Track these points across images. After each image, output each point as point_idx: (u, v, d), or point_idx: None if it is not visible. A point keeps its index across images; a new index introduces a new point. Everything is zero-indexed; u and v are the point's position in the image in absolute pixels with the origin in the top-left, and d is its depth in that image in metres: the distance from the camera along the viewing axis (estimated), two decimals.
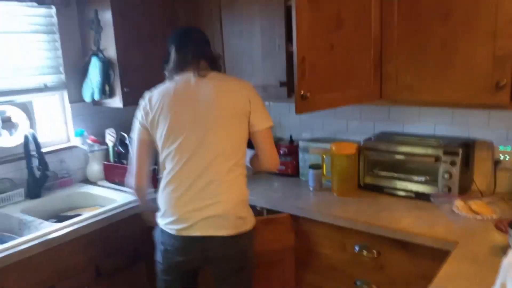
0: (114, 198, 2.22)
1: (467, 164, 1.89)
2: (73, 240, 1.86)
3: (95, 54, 2.30)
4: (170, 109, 1.65)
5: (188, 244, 1.65)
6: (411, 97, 1.81)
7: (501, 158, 1.90)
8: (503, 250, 1.38)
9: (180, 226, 1.63)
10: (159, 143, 1.68)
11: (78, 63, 2.41)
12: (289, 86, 2.06)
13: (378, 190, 2.05)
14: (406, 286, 1.69)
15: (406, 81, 1.80)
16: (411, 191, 1.96)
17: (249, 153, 1.79)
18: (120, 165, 2.41)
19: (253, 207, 2.10)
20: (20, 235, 1.85)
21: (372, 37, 1.80)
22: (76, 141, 2.48)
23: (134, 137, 1.76)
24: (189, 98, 1.67)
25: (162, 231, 1.69)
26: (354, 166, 2.07)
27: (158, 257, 1.73)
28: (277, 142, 2.53)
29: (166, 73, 1.76)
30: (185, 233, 1.63)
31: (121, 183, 2.23)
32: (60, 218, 2.13)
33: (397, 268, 1.70)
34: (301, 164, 2.34)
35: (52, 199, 2.27)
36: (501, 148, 1.89)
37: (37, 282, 1.73)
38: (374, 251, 1.74)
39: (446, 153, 1.84)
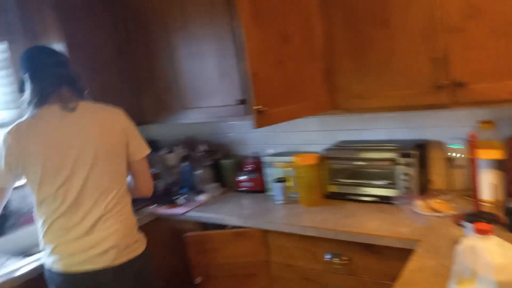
0: None
1: (422, 164, 1.97)
2: (41, 274, 1.79)
3: None
4: (42, 151, 1.54)
5: (84, 279, 1.58)
6: (360, 105, 1.88)
7: (453, 156, 1.99)
8: None
9: (71, 262, 1.57)
10: (33, 186, 1.57)
11: None
12: (247, 103, 2.10)
13: (343, 197, 2.10)
14: None
15: (354, 90, 1.88)
16: (374, 196, 2.01)
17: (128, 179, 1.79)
18: None
19: (223, 226, 2.11)
20: None
21: (318, 50, 1.88)
22: None
23: None
24: (63, 136, 1.57)
25: (51, 271, 1.61)
26: (318, 176, 2.12)
27: None
28: (242, 159, 2.56)
29: (25, 105, 1.60)
30: (78, 269, 1.57)
31: None
32: (28, 254, 2.05)
33: (368, 272, 1.74)
34: (267, 179, 2.37)
35: (17, 236, 2.19)
36: (452, 146, 1.98)
37: None
38: (345, 258, 1.77)
39: (401, 155, 1.91)
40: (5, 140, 1.55)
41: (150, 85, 2.51)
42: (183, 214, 2.24)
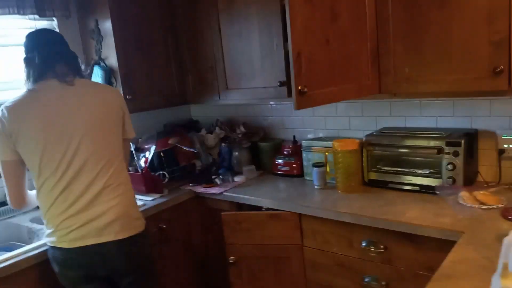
0: None
1: (470, 154, 1.87)
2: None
3: (97, 63, 2.33)
4: (42, 124, 1.55)
5: (87, 253, 1.58)
6: (410, 89, 1.81)
7: (505, 147, 1.88)
8: None
9: (75, 236, 1.57)
10: (33, 160, 1.57)
11: None
12: (289, 85, 2.07)
13: (383, 185, 2.04)
14: (414, 279, 1.67)
15: (405, 73, 1.80)
16: (415, 185, 1.94)
17: None
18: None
19: (258, 208, 2.11)
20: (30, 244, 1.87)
21: (368, 30, 1.81)
22: None
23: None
24: (63, 108, 1.58)
25: (55, 248, 1.61)
26: (358, 162, 2.07)
27: (61, 279, 1.64)
28: (281, 142, 2.54)
29: (25, 83, 1.62)
30: (82, 243, 1.57)
31: None
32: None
33: (404, 261, 1.69)
34: (305, 163, 2.34)
35: None
36: (504, 136, 1.88)
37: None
38: (381, 246, 1.73)
39: (448, 144, 1.82)
40: (1, 115, 1.56)
41: (194, 65, 2.52)
42: (220, 194, 2.26)
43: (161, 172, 2.42)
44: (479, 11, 1.58)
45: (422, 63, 1.75)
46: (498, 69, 1.55)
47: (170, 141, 2.52)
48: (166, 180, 2.41)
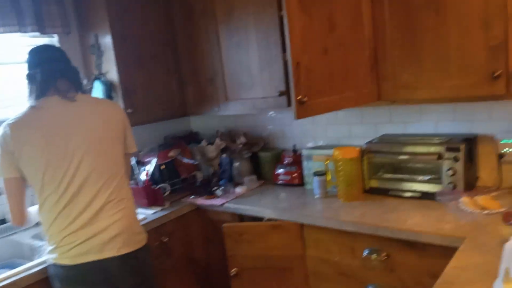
0: None
1: (470, 159, 1.87)
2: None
3: (97, 78, 2.35)
4: (44, 140, 1.55)
5: (89, 270, 1.58)
6: (409, 96, 1.82)
7: (505, 151, 1.88)
8: None
9: (78, 252, 1.57)
10: (36, 176, 1.57)
11: None
12: (288, 95, 2.08)
13: (384, 192, 2.04)
14: (417, 287, 1.65)
15: (403, 80, 1.81)
16: (416, 191, 1.94)
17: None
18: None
19: (260, 218, 2.11)
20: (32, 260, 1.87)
21: (366, 38, 1.82)
22: None
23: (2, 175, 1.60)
24: (65, 124, 1.60)
25: (57, 265, 1.60)
26: (358, 170, 2.07)
27: None
28: (281, 152, 2.55)
29: (27, 99, 1.64)
30: (84, 260, 1.57)
31: None
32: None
33: (407, 269, 1.68)
34: (305, 172, 2.34)
35: None
36: (503, 141, 1.87)
37: None
38: (383, 254, 1.72)
39: (448, 149, 1.82)
40: (4, 133, 1.56)
41: (194, 77, 2.54)
42: (221, 205, 2.26)
43: (162, 185, 2.43)
44: (475, 16, 1.59)
45: (420, 70, 1.76)
46: (496, 74, 1.56)
47: (170, 154, 2.53)
48: (168, 192, 2.42)
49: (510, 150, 1.86)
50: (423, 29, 1.72)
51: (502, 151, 1.88)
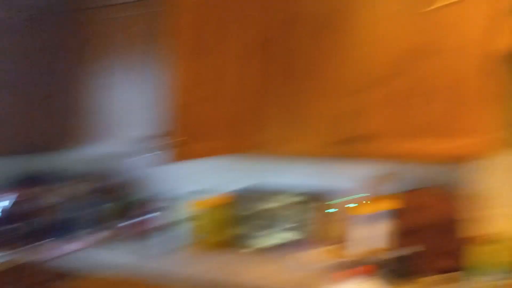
0: None
1: (320, 213, 2.04)
2: None
3: None
4: None
5: None
6: (279, 149, 1.95)
7: (346, 206, 2.00)
8: None
9: None
10: None
11: None
12: (167, 137, 2.05)
13: (242, 243, 2.09)
14: None
15: (277, 133, 1.95)
16: (275, 242, 2.04)
17: None
18: None
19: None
20: None
21: (250, 90, 1.95)
22: None
23: None
24: None
25: None
26: (220, 219, 2.09)
27: None
28: (145, 198, 2.44)
29: None
30: None
31: None
32: None
33: None
34: (165, 221, 2.29)
35: None
36: (347, 197, 2.01)
37: None
38: None
39: (301, 202, 1.99)
40: None
41: (65, 112, 2.41)
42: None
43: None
44: (341, 84, 1.83)
45: (291, 127, 1.93)
46: (349, 136, 1.78)
47: (26, 193, 2.29)
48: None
49: (350, 205, 1.98)
50: (295, 91, 1.91)
51: (343, 206, 2.02)
